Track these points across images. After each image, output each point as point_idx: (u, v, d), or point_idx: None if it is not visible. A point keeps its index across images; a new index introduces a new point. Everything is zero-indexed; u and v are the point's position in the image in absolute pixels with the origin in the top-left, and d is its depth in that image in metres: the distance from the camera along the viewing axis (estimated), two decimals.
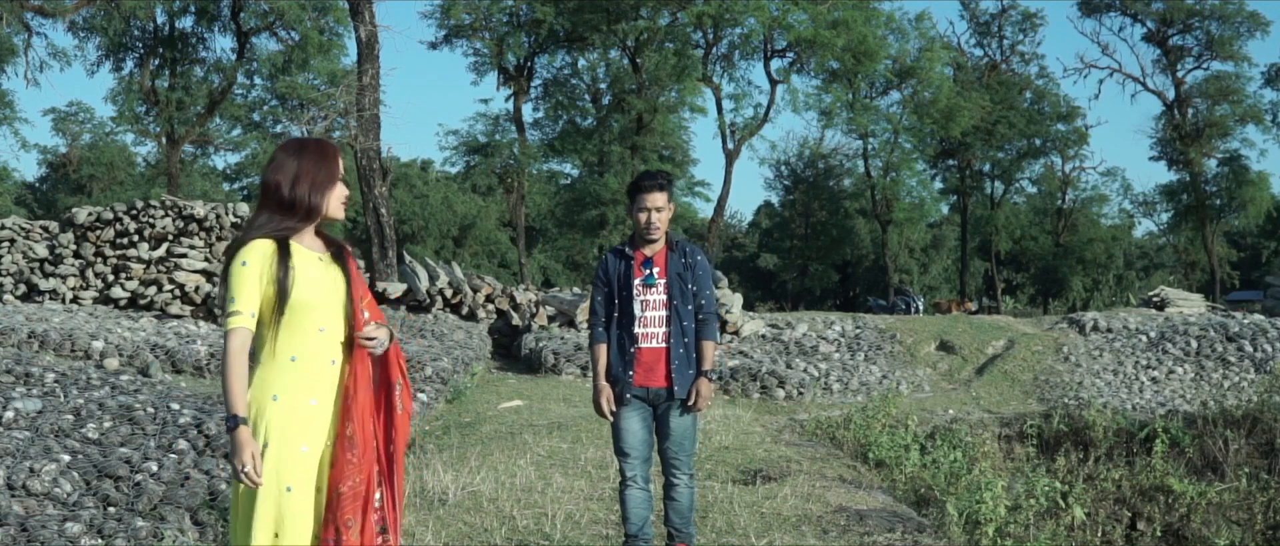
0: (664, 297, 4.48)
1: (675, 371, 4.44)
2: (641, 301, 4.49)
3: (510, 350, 17.65)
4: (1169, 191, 45.04)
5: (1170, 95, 42.85)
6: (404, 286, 18.88)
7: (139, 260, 15.60)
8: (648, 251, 4.53)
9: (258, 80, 34.62)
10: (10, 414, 7.68)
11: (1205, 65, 42.30)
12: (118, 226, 15.81)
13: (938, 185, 45.75)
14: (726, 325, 18.56)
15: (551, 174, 40.30)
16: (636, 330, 4.48)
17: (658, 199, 4.45)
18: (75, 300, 15.62)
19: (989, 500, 6.45)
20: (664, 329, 4.48)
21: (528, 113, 37.52)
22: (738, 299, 19.53)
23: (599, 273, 4.61)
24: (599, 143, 35.98)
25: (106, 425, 7.87)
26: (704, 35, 33.22)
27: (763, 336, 18.92)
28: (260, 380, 3.04)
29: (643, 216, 4.47)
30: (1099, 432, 12.14)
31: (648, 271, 4.50)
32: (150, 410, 8.45)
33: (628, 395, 4.48)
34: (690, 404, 4.47)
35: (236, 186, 43.10)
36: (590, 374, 4.57)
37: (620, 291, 4.52)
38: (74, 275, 15.72)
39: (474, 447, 8.18)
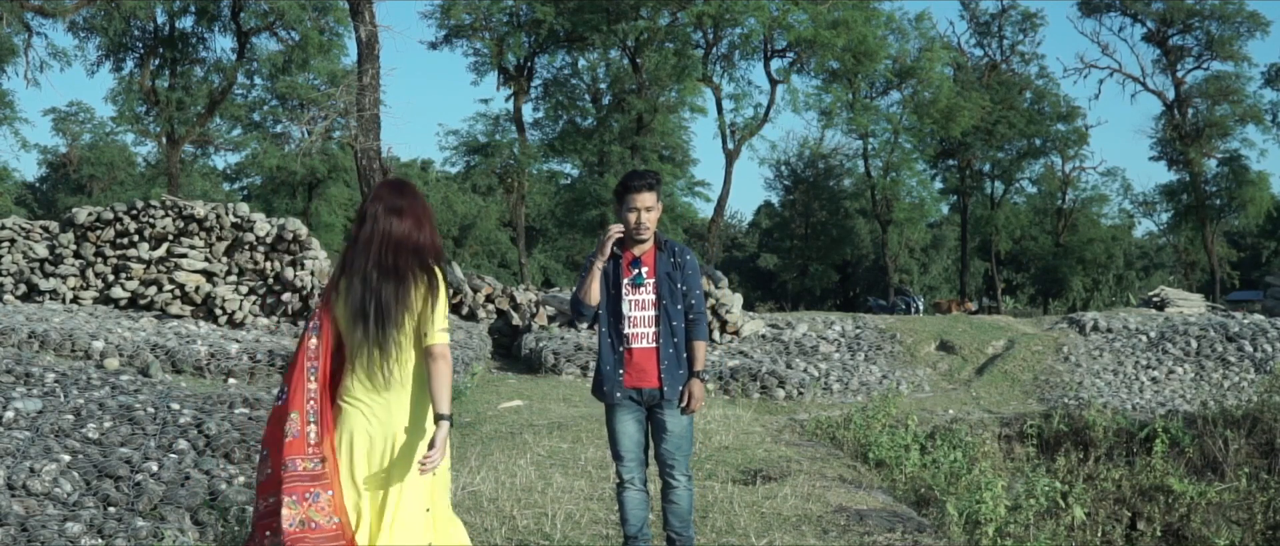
0: (653, 297, 4.45)
1: (665, 372, 4.41)
2: (630, 301, 4.45)
3: (510, 350, 17.65)
4: (1169, 191, 45.03)
5: (1170, 95, 42.86)
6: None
7: (139, 260, 15.60)
8: (636, 251, 4.49)
9: (258, 80, 34.67)
10: (10, 414, 7.68)
11: (1205, 65, 42.33)
12: (118, 226, 15.81)
13: (938, 185, 45.76)
14: (727, 325, 18.56)
15: (551, 174, 40.29)
16: (625, 330, 4.45)
17: (647, 199, 4.40)
18: (75, 300, 15.62)
19: (989, 500, 6.45)
20: (653, 329, 4.44)
21: (528, 113, 37.57)
22: (738, 299, 19.53)
23: (585, 268, 4.60)
24: (599, 143, 35.97)
25: (106, 425, 7.87)
26: (704, 35, 33.23)
27: (763, 336, 18.91)
28: (423, 403, 3.35)
29: (632, 217, 4.42)
30: (1099, 432, 12.14)
31: (636, 271, 4.46)
32: (150, 410, 8.46)
33: (617, 395, 4.46)
34: (683, 405, 4.44)
35: (237, 186, 43.08)
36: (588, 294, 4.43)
37: (608, 290, 4.49)
38: (74, 275, 15.72)
39: (474, 447, 8.18)
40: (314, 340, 3.34)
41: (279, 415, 3.31)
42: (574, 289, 4.55)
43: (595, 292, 4.43)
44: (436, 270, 3.37)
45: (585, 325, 17.43)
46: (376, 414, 3.28)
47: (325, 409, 3.29)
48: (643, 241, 4.48)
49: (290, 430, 3.26)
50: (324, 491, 3.22)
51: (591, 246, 37.69)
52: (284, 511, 3.20)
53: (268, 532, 3.30)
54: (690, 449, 4.56)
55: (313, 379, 3.28)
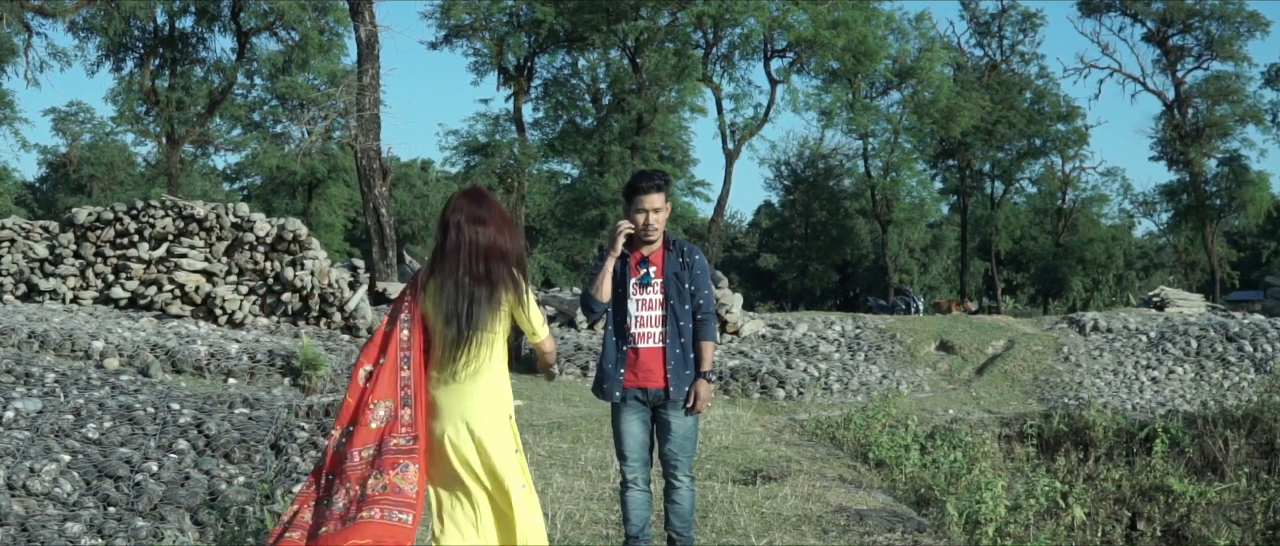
0: (660, 297, 4.43)
1: (671, 372, 4.39)
2: (637, 300, 4.43)
3: (510, 350, 17.65)
4: (1169, 191, 45.01)
5: (1170, 95, 42.84)
6: (404, 286, 18.88)
7: (139, 260, 15.60)
8: (644, 251, 4.48)
9: (258, 80, 34.65)
10: (10, 414, 7.68)
11: (1205, 65, 42.29)
12: (118, 226, 15.81)
13: (938, 185, 45.74)
14: (726, 325, 18.56)
15: (551, 174, 40.30)
16: (632, 330, 4.43)
17: (655, 200, 4.39)
18: (75, 300, 15.61)
19: (989, 500, 6.45)
20: (660, 329, 4.42)
21: (528, 113, 37.57)
22: (738, 299, 19.53)
23: (595, 264, 4.58)
24: (599, 143, 35.96)
25: (106, 425, 7.87)
26: (704, 35, 33.21)
27: (763, 336, 18.92)
28: (497, 393, 3.70)
29: (640, 218, 4.40)
30: (1099, 432, 12.13)
31: (644, 271, 4.45)
32: (150, 410, 8.46)
33: (617, 394, 4.45)
34: (689, 406, 4.43)
35: (236, 186, 43.10)
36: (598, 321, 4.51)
37: (615, 289, 4.47)
38: (74, 275, 15.72)
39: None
40: (405, 332, 3.66)
41: (360, 400, 3.62)
42: (584, 285, 4.54)
43: (607, 289, 4.41)
44: (519, 274, 3.72)
45: (588, 323, 17.44)
46: (456, 401, 3.62)
47: (420, 393, 3.63)
48: (651, 242, 4.46)
49: (379, 416, 3.58)
50: (413, 464, 3.54)
51: (591, 246, 37.81)
52: (370, 481, 3.49)
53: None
54: (694, 449, 4.56)
55: (406, 367, 3.63)
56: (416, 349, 3.66)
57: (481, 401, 3.64)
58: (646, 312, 4.44)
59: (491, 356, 3.69)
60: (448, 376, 3.64)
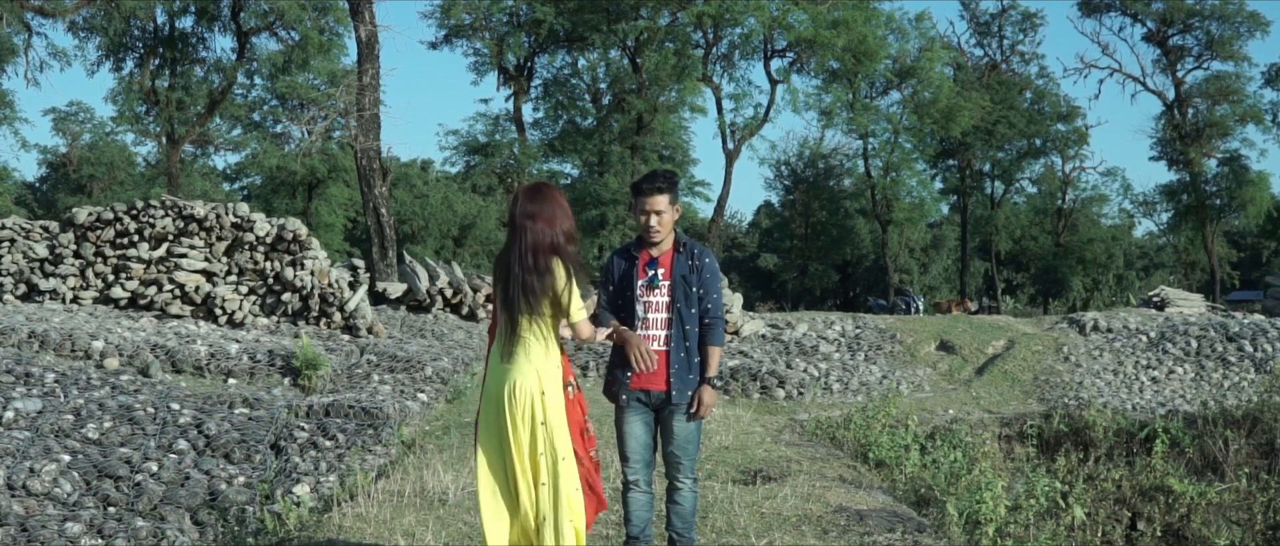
0: (666, 299, 4.36)
1: (675, 375, 4.33)
2: (644, 303, 4.37)
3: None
4: (1169, 191, 45.01)
5: (1170, 95, 42.84)
6: (404, 286, 18.88)
7: (139, 260, 15.59)
8: (654, 252, 4.41)
9: (258, 80, 34.63)
10: (10, 414, 7.68)
11: (1205, 65, 42.30)
12: (118, 226, 15.81)
13: (938, 185, 45.75)
14: (726, 325, 18.57)
15: (551, 174, 40.28)
16: (637, 331, 4.39)
17: (659, 202, 4.31)
18: (75, 300, 15.61)
19: (989, 500, 6.44)
20: (665, 331, 4.36)
21: (528, 113, 37.56)
22: (738, 299, 19.53)
23: (604, 271, 4.55)
24: (599, 143, 35.95)
25: (106, 425, 7.87)
26: (704, 35, 33.22)
27: (763, 336, 18.91)
28: (541, 372, 4.02)
29: (644, 219, 4.35)
30: (1099, 432, 12.14)
31: (652, 272, 4.38)
32: (150, 410, 8.46)
33: (624, 396, 4.43)
34: (692, 411, 4.38)
35: (236, 186, 43.07)
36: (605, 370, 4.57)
37: (623, 291, 4.43)
38: (74, 275, 15.71)
39: (474, 447, 8.17)
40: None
41: None
42: (598, 305, 4.56)
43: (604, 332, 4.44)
44: (566, 263, 4.07)
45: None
46: (507, 373, 4.04)
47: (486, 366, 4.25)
48: (657, 243, 4.41)
49: None
50: None
51: (592, 246, 37.73)
52: None
53: None
54: (697, 452, 4.52)
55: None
56: (490, 328, 4.24)
57: (528, 375, 4.01)
58: (653, 314, 4.38)
59: (542, 336, 4.04)
60: (504, 350, 4.07)
